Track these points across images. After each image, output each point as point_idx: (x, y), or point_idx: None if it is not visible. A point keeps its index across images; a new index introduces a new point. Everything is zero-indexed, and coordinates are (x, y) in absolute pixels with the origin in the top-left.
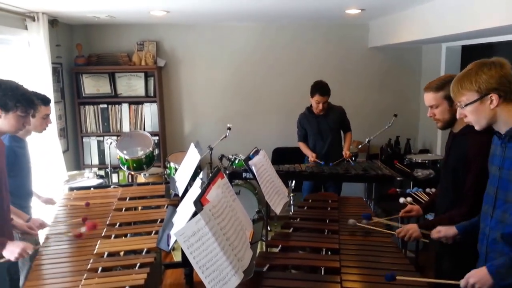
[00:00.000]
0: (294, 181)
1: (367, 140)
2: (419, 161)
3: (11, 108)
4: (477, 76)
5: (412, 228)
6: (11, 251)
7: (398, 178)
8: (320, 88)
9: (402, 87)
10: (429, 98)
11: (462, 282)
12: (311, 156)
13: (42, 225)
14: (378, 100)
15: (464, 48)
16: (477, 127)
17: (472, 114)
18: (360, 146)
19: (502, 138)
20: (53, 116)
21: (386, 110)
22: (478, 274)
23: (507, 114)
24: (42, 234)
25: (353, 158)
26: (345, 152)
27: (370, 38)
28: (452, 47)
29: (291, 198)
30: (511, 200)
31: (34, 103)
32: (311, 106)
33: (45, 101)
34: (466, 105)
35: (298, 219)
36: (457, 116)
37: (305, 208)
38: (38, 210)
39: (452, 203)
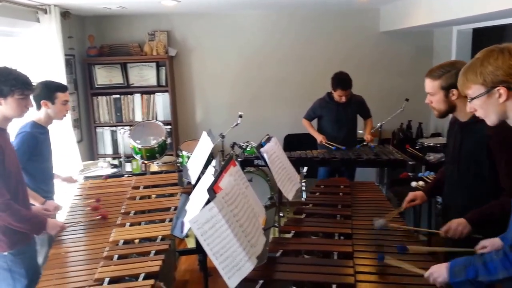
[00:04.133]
0: (306, 167)
1: (378, 125)
2: (431, 144)
3: (8, 93)
4: (482, 68)
5: (461, 224)
6: (54, 226)
7: (410, 162)
8: (341, 82)
9: (414, 71)
10: (427, 85)
11: (425, 274)
12: (321, 138)
13: (56, 208)
14: (389, 85)
15: (476, 30)
16: (488, 122)
17: (481, 108)
18: (372, 131)
19: None
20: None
21: (397, 95)
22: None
23: None
24: (59, 217)
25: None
26: (367, 136)
27: (381, 23)
28: (463, 30)
29: (303, 184)
30: None
31: (29, 84)
32: (331, 92)
33: (62, 87)
34: (472, 98)
35: (311, 205)
36: (467, 110)
37: (317, 193)
38: (59, 195)
39: (472, 193)
